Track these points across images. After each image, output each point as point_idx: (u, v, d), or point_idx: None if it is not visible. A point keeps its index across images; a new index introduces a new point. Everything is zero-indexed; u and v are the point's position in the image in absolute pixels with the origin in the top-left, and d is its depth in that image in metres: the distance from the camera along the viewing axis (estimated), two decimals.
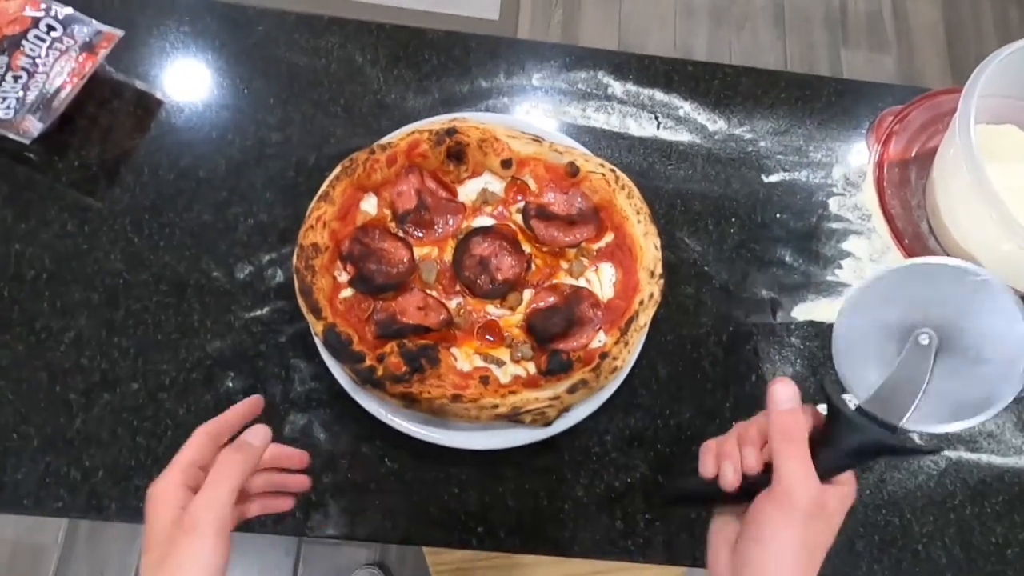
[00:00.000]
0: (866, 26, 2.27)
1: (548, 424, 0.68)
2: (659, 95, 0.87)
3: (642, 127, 0.85)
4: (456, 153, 0.75)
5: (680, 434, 0.74)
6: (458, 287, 0.73)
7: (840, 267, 0.82)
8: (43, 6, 0.76)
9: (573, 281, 0.74)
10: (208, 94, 0.82)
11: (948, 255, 0.82)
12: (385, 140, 0.75)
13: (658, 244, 0.74)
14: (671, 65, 0.88)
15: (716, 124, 0.86)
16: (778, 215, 0.83)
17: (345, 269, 0.71)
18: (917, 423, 0.48)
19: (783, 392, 0.49)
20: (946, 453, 0.76)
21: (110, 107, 0.80)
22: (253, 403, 0.55)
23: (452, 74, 0.85)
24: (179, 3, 0.85)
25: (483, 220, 0.76)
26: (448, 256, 0.74)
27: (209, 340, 0.73)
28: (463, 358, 0.70)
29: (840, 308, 0.52)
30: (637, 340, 0.71)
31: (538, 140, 0.77)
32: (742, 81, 0.88)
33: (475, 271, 0.73)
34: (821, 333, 0.79)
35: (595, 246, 0.76)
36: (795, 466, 0.46)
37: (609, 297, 0.74)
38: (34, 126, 0.71)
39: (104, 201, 0.77)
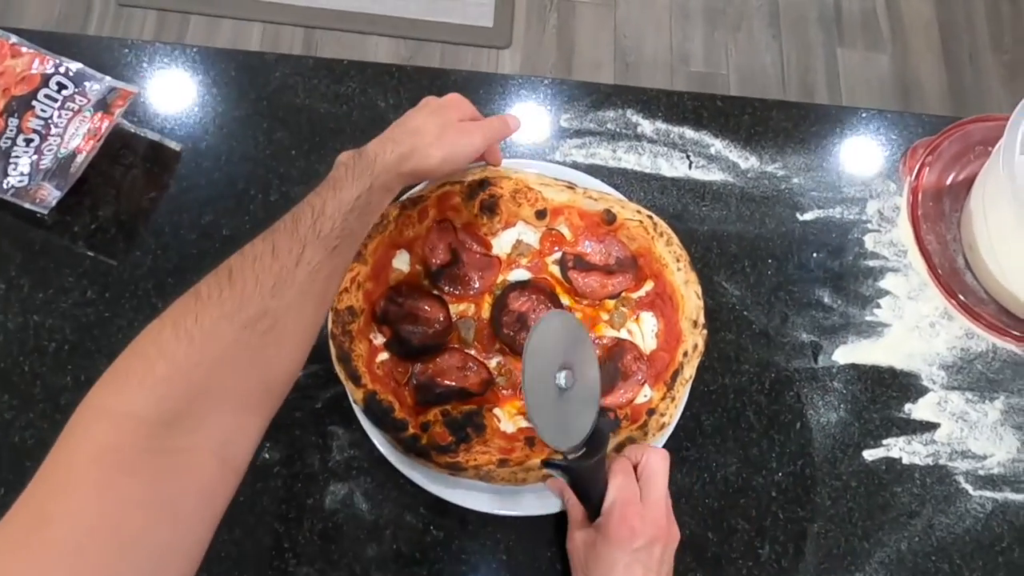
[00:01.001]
0: (861, 24, 2.27)
1: None
2: (689, 132, 0.85)
3: (674, 167, 0.83)
4: (489, 206, 0.73)
5: (727, 487, 0.73)
6: (497, 345, 0.71)
7: (879, 306, 0.81)
8: (52, 62, 0.72)
9: (615, 333, 0.73)
10: (227, 146, 0.79)
11: (986, 291, 0.82)
12: (415, 193, 0.73)
13: (699, 292, 0.72)
14: (699, 100, 0.86)
15: (748, 161, 0.84)
16: (815, 254, 0.82)
17: (380, 332, 0.69)
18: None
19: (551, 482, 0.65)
20: (991, 495, 0.75)
21: (125, 163, 0.77)
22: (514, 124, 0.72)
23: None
24: (192, 53, 0.81)
25: (519, 273, 0.74)
26: (485, 313, 0.72)
27: None
28: (506, 419, 0.68)
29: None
30: (683, 394, 0.70)
31: (571, 187, 0.75)
32: (772, 115, 0.87)
33: (513, 327, 0.71)
34: (863, 376, 0.78)
35: (635, 295, 0.74)
36: (572, 513, 0.64)
37: (652, 348, 0.72)
38: (51, 194, 0.68)
39: (124, 264, 0.74)
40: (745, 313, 0.79)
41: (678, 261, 0.73)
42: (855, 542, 0.72)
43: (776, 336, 0.78)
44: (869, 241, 0.83)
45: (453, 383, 0.68)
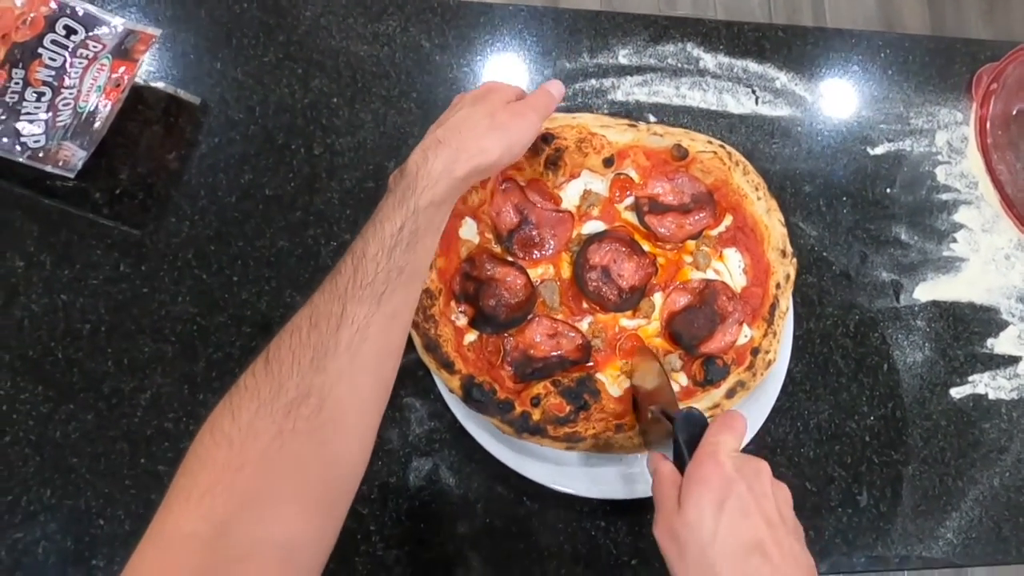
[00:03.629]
0: None
1: None
2: (753, 66, 0.79)
3: (740, 103, 0.78)
4: (554, 160, 0.67)
5: (821, 435, 0.70)
6: (585, 304, 0.66)
7: (955, 240, 0.78)
8: (54, 2, 0.62)
9: (701, 275, 0.68)
10: (260, 96, 0.70)
11: None
12: None
13: (782, 220, 0.68)
14: (760, 31, 0.81)
15: (815, 94, 0.80)
16: (888, 190, 0.78)
17: (462, 311, 0.63)
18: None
19: (653, 457, 0.52)
20: None
21: (147, 119, 0.68)
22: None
23: (532, 55, 0.76)
24: None
25: (593, 225, 0.68)
26: (565, 272, 0.66)
27: None
28: (611, 382, 0.63)
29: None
30: (783, 328, 0.67)
31: (633, 125, 0.69)
32: (833, 44, 0.82)
33: (598, 283, 0.66)
34: (945, 313, 0.76)
35: (715, 232, 0.69)
36: (660, 488, 0.50)
37: (743, 286, 0.68)
38: (75, 155, 0.59)
39: (159, 234, 0.65)
40: (825, 254, 0.75)
41: (757, 190, 0.69)
42: (949, 481, 0.71)
43: (857, 277, 0.75)
44: (940, 173, 0.80)
45: (550, 353, 0.62)
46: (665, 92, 0.77)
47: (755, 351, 0.64)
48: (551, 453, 0.62)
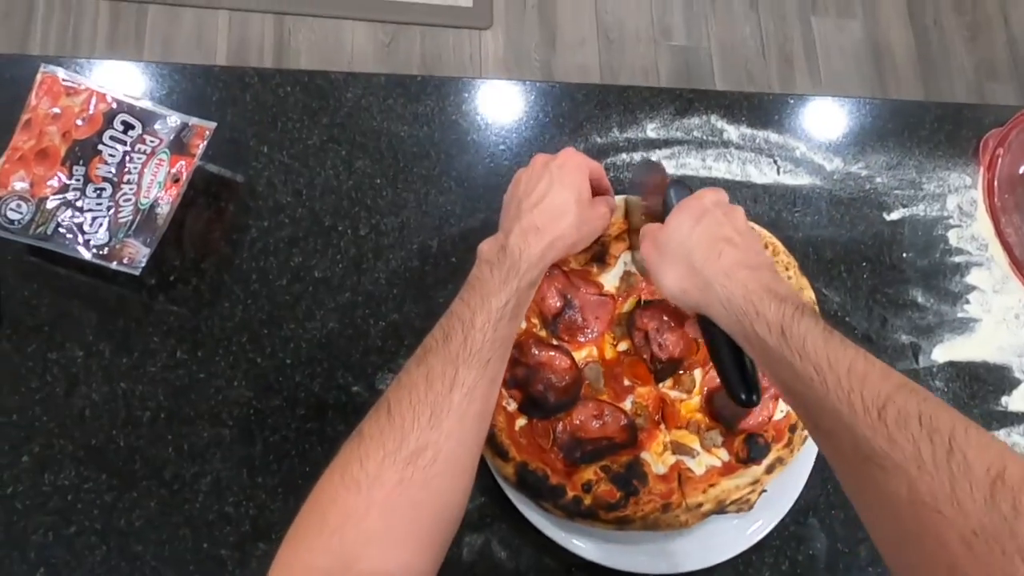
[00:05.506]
0: None
1: (751, 508, 0.66)
2: (773, 136, 0.83)
3: (763, 173, 0.82)
4: (600, 256, 0.70)
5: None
6: (627, 382, 0.69)
7: (968, 302, 0.82)
8: (112, 99, 0.64)
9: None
10: (307, 179, 0.72)
11: None
12: None
13: (814, 297, 0.72)
14: (779, 101, 0.84)
15: (833, 163, 0.83)
16: (904, 255, 0.82)
17: (511, 396, 0.66)
18: None
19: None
20: None
21: (199, 205, 0.69)
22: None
23: (564, 131, 0.79)
24: (256, 78, 0.74)
25: (632, 303, 0.71)
26: (609, 353, 0.69)
27: None
28: (655, 460, 0.66)
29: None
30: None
31: None
32: (848, 112, 0.86)
33: (642, 347, 0.69)
34: (961, 372, 0.79)
35: None
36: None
37: None
38: (140, 252, 0.61)
39: (213, 319, 0.67)
40: (847, 319, 0.79)
41: (787, 269, 0.72)
42: None
43: (878, 340, 0.79)
44: (952, 237, 0.84)
45: (597, 435, 0.65)
46: (692, 164, 0.80)
47: (792, 428, 0.67)
48: (596, 530, 0.65)
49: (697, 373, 0.70)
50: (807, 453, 0.70)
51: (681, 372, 0.70)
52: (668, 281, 0.57)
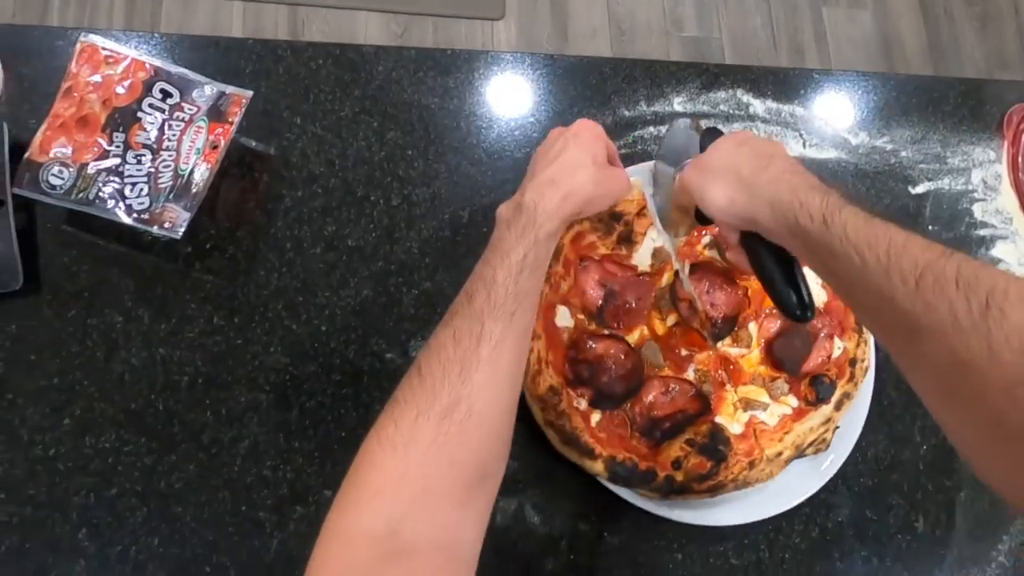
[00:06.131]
0: None
1: (828, 447, 0.68)
2: (799, 110, 0.83)
3: (789, 147, 0.82)
4: (627, 236, 0.71)
5: (878, 465, 0.74)
6: (684, 351, 0.69)
7: None
8: (150, 67, 0.65)
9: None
10: (338, 150, 0.73)
11: None
12: None
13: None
14: (805, 76, 0.85)
15: (858, 137, 0.84)
16: (930, 227, 0.82)
17: (580, 395, 0.66)
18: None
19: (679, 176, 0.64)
20: None
21: (233, 176, 0.70)
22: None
23: (593, 104, 0.79)
24: (288, 50, 0.74)
25: (678, 267, 0.72)
26: (660, 329, 0.70)
27: None
28: (730, 420, 0.67)
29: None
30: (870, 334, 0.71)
31: None
32: (873, 87, 0.86)
33: (689, 316, 0.70)
34: None
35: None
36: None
37: (824, 301, 0.72)
38: (181, 216, 0.61)
39: (250, 287, 0.68)
40: None
41: None
42: (999, 505, 0.75)
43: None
44: (977, 210, 0.84)
45: (671, 410, 0.66)
46: None
47: (852, 362, 0.70)
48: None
49: (752, 327, 0.71)
50: (865, 388, 0.72)
51: (737, 329, 0.71)
52: (715, 195, 0.56)
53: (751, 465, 0.65)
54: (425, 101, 0.76)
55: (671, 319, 0.70)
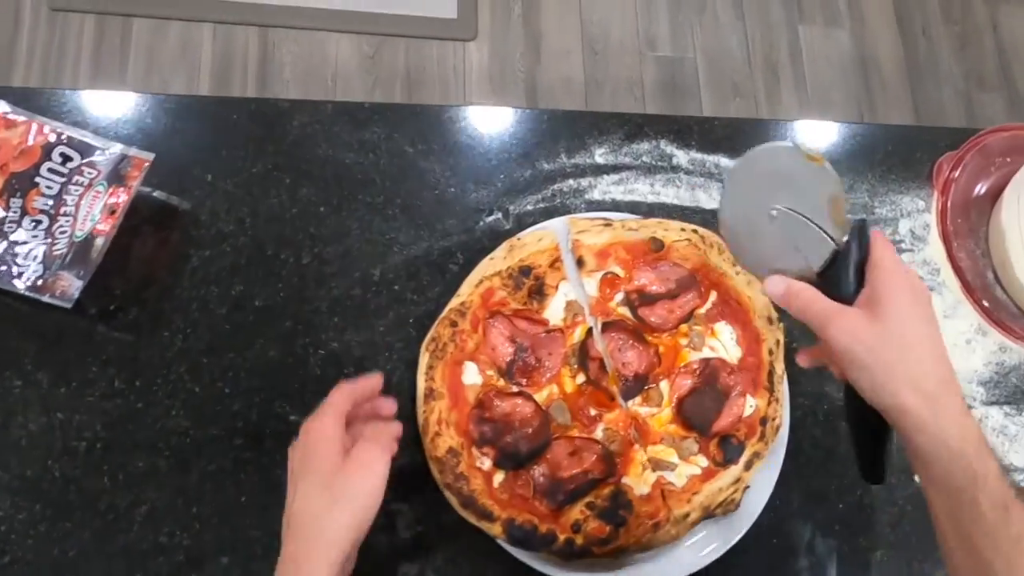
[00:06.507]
0: (820, 2, 2.28)
1: (737, 507, 0.68)
2: (724, 161, 0.83)
3: (712, 198, 0.81)
4: (538, 289, 0.70)
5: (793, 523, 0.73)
6: (593, 411, 0.69)
7: None
8: (51, 130, 0.65)
9: (699, 355, 0.72)
10: (249, 207, 0.73)
11: (1018, 307, 0.83)
12: (456, 302, 0.69)
13: (765, 289, 0.72)
14: (732, 127, 0.84)
15: None
16: None
17: (483, 454, 0.66)
18: (836, 237, 0.55)
19: (770, 284, 0.56)
20: None
21: (141, 234, 0.70)
22: (377, 381, 0.60)
23: (512, 158, 0.79)
24: (200, 105, 0.74)
25: (589, 323, 0.72)
26: (569, 387, 0.70)
27: None
28: (636, 482, 0.67)
29: (719, 207, 0.61)
30: (783, 391, 0.71)
31: (608, 224, 0.73)
32: (800, 136, 0.86)
33: (599, 376, 0.70)
34: None
35: (703, 310, 0.73)
36: (815, 305, 0.52)
37: (738, 356, 0.72)
38: (72, 285, 0.61)
39: (152, 348, 0.68)
40: (795, 345, 0.78)
41: (734, 265, 0.73)
42: (916, 566, 0.74)
43: (827, 367, 0.78)
44: (904, 261, 0.83)
45: (576, 472, 0.66)
46: (640, 190, 0.80)
47: (763, 420, 0.69)
48: None
49: (663, 385, 0.71)
50: (779, 446, 0.71)
51: (648, 387, 0.70)
52: (890, 390, 0.48)
53: (655, 527, 0.64)
54: (340, 156, 0.76)
55: (581, 377, 0.70)
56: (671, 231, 0.73)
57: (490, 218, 0.76)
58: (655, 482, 0.67)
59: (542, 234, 0.72)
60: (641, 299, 0.72)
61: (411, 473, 0.65)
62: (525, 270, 0.70)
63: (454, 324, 0.67)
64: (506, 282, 0.70)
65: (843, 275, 0.53)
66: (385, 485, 0.52)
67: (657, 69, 2.10)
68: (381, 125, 0.77)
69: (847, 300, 0.52)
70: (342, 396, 0.55)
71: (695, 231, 0.73)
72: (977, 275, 0.84)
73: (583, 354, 0.70)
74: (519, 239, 0.72)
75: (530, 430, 0.67)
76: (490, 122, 0.80)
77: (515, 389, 0.68)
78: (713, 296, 0.73)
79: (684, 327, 0.72)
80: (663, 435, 0.69)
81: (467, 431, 0.66)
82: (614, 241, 0.72)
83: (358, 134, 0.77)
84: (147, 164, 0.65)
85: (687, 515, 0.66)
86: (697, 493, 0.67)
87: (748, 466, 0.69)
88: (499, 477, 0.66)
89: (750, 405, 0.70)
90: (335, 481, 0.51)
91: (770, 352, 0.71)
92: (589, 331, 0.71)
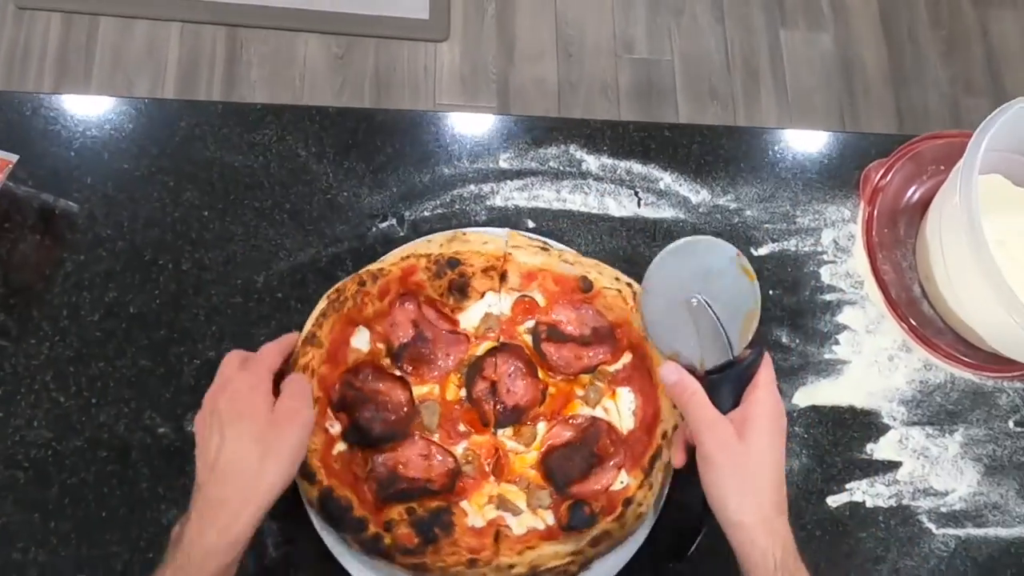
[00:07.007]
0: (802, 5, 2.24)
1: None
2: (637, 167, 0.80)
3: (622, 206, 0.78)
4: (460, 287, 0.67)
5: (696, 550, 0.70)
6: (462, 427, 0.66)
7: (837, 343, 0.78)
8: None
9: (590, 411, 0.67)
10: (129, 211, 0.70)
11: (944, 323, 0.80)
12: (375, 266, 0.66)
13: (660, 372, 0.67)
14: (646, 131, 0.81)
15: (699, 195, 0.80)
16: (771, 292, 0.78)
17: (337, 418, 0.63)
18: (736, 349, 0.59)
19: (666, 370, 0.59)
20: (953, 532, 0.74)
21: (11, 235, 0.68)
22: (295, 337, 0.63)
23: (409, 162, 0.76)
24: (84, 105, 0.72)
25: (488, 346, 0.68)
26: (450, 394, 0.67)
27: (164, 511, 0.63)
28: (475, 512, 0.63)
29: (639, 296, 0.63)
30: (661, 480, 0.65)
31: (546, 248, 0.69)
32: (722, 143, 0.82)
33: (484, 394, 0.66)
34: (824, 418, 0.75)
35: (612, 368, 0.69)
36: (698, 410, 0.56)
37: (629, 428, 0.67)
38: None
39: (18, 357, 0.65)
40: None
41: (626, 299, 0.69)
42: None
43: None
44: (825, 273, 0.80)
45: (417, 476, 0.63)
46: (545, 196, 0.77)
47: (627, 501, 0.63)
48: None
49: (540, 427, 0.67)
50: (640, 530, 0.65)
51: (523, 423, 0.67)
52: (735, 506, 0.54)
53: (471, 563, 0.60)
54: (228, 159, 0.73)
55: (464, 392, 0.67)
56: (604, 275, 0.69)
57: (384, 224, 0.73)
58: (493, 519, 0.63)
59: (488, 238, 0.69)
60: (550, 334, 0.68)
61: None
62: (453, 262, 0.67)
63: (362, 284, 0.65)
64: (429, 266, 0.67)
65: (725, 386, 0.57)
66: (308, 438, 0.55)
67: (633, 72, 2.07)
68: (274, 127, 0.75)
69: (719, 406, 0.56)
70: (272, 353, 0.58)
71: (628, 285, 0.69)
72: (903, 288, 0.81)
73: (474, 370, 0.67)
74: (464, 233, 0.69)
75: (393, 417, 0.64)
76: (390, 125, 0.77)
77: (397, 373, 0.66)
78: (627, 358, 0.69)
79: (586, 378, 0.68)
80: (520, 476, 0.65)
81: (330, 389, 0.63)
82: (545, 267, 0.69)
83: (249, 136, 0.74)
84: (10, 165, 0.63)
85: (512, 567, 0.61)
86: (531, 548, 0.62)
87: (595, 543, 0.62)
88: (340, 447, 0.63)
89: (621, 481, 0.65)
90: (268, 432, 0.52)
91: (664, 435, 0.65)
92: (493, 350, 0.68)
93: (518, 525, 0.63)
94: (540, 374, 0.68)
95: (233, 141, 0.74)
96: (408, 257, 0.67)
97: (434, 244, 0.68)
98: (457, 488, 0.64)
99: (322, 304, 0.64)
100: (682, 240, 0.61)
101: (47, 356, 0.66)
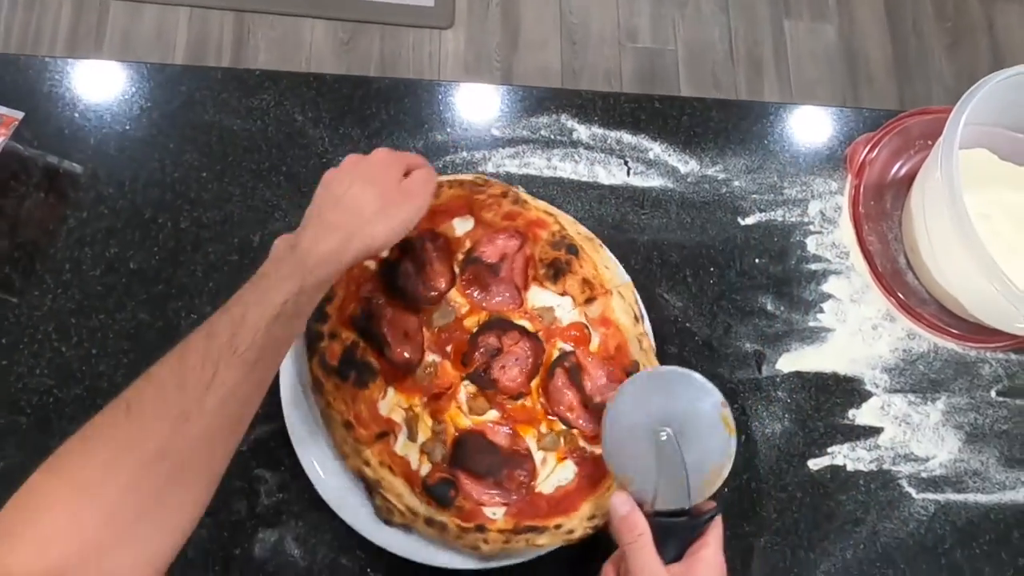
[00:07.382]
0: None
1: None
2: (627, 137, 0.81)
3: (612, 174, 0.80)
4: (557, 270, 0.70)
5: None
6: (448, 349, 0.68)
7: (822, 311, 0.79)
8: None
9: (532, 447, 0.67)
10: (131, 171, 0.73)
11: (927, 291, 0.81)
12: (524, 194, 0.72)
13: (611, 500, 0.61)
14: (637, 102, 0.83)
15: (688, 165, 0.82)
16: (757, 260, 0.80)
17: (390, 253, 0.68)
18: (694, 499, 0.56)
19: (618, 500, 0.56)
20: (933, 497, 0.75)
21: (17, 193, 0.70)
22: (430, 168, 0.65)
23: (404, 127, 0.78)
24: (89, 68, 0.74)
25: (525, 323, 0.70)
26: (468, 323, 0.69)
27: None
28: (389, 404, 0.66)
29: (623, 385, 0.60)
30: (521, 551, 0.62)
31: (638, 320, 0.70)
32: (712, 115, 0.84)
33: (487, 349, 0.68)
34: (807, 384, 0.77)
35: (582, 443, 0.68)
36: (641, 556, 0.53)
37: (542, 491, 0.65)
38: None
39: (21, 307, 0.68)
40: (688, 325, 0.77)
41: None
42: (801, 554, 0.72)
43: (719, 347, 0.76)
44: (811, 244, 0.81)
45: (389, 338, 0.66)
46: (536, 164, 0.79)
47: (481, 528, 0.63)
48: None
49: (492, 413, 0.68)
50: None
51: (486, 398, 0.68)
52: None
53: (347, 426, 0.62)
54: (227, 123, 0.75)
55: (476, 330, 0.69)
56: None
57: None
58: (390, 420, 0.65)
59: (612, 265, 0.72)
60: (571, 371, 0.68)
61: (274, 440, 0.64)
62: (573, 249, 0.69)
63: (504, 195, 0.70)
64: (555, 235, 0.70)
65: (673, 537, 0.55)
66: (417, 221, 0.60)
67: (636, 61, 2.08)
68: (272, 92, 0.77)
69: (662, 555, 0.54)
70: (415, 156, 0.64)
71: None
72: (888, 260, 0.82)
73: (497, 326, 0.68)
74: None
75: (422, 290, 0.68)
76: (384, 92, 0.79)
77: (456, 271, 0.70)
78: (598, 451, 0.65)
79: (560, 426, 0.68)
80: (438, 423, 0.67)
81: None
82: (622, 331, 0.70)
83: (247, 101, 0.76)
84: (15, 122, 0.65)
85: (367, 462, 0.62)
86: (390, 470, 0.62)
87: (428, 523, 0.61)
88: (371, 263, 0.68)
89: (494, 512, 0.64)
90: (390, 198, 0.58)
91: (557, 527, 0.62)
92: (525, 331, 0.69)
93: (401, 447, 0.65)
94: (534, 384, 0.69)
95: (232, 105, 0.76)
96: (551, 214, 0.70)
97: (582, 227, 0.72)
98: (396, 375, 0.66)
99: (465, 176, 0.70)
100: (673, 368, 0.59)
101: (50, 308, 0.68)
